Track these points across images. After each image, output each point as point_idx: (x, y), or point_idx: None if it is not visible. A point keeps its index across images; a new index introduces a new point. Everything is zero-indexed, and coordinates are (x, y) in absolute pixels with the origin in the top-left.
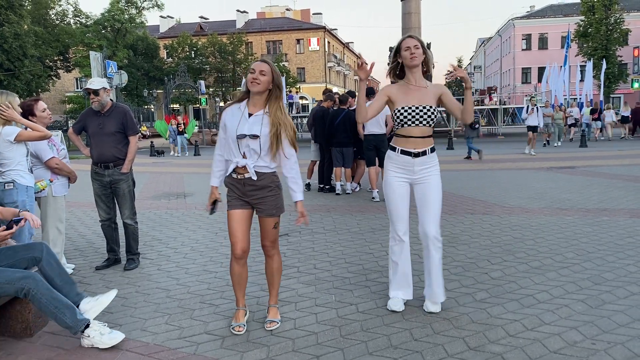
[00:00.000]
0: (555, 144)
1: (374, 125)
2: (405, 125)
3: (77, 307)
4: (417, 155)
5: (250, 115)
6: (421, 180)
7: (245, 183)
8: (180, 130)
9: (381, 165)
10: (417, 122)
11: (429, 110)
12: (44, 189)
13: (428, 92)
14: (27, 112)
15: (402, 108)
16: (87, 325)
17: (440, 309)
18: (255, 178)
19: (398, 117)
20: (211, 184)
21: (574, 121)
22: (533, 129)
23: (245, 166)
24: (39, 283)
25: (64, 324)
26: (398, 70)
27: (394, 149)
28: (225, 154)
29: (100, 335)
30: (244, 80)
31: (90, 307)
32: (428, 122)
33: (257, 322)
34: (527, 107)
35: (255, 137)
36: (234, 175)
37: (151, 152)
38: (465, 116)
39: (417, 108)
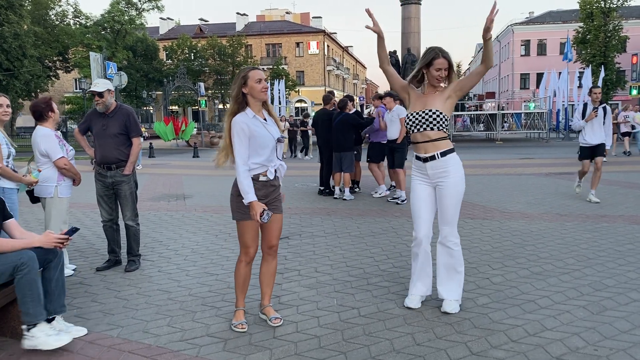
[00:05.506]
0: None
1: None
2: (411, 132)
3: (54, 318)
4: (426, 160)
5: (264, 120)
6: (438, 184)
7: (270, 184)
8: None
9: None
10: (419, 128)
11: (433, 113)
12: (36, 182)
13: (437, 96)
14: None
15: (409, 115)
16: (35, 325)
17: (459, 309)
18: (283, 175)
19: (407, 124)
20: (252, 199)
21: (631, 128)
22: (594, 150)
23: (277, 167)
24: (34, 263)
25: (25, 308)
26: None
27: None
28: (255, 161)
29: (46, 337)
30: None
31: (58, 330)
32: (431, 126)
33: (259, 325)
34: (585, 105)
35: (284, 137)
36: (263, 179)
37: (150, 153)
38: (487, 62)
39: (417, 114)
